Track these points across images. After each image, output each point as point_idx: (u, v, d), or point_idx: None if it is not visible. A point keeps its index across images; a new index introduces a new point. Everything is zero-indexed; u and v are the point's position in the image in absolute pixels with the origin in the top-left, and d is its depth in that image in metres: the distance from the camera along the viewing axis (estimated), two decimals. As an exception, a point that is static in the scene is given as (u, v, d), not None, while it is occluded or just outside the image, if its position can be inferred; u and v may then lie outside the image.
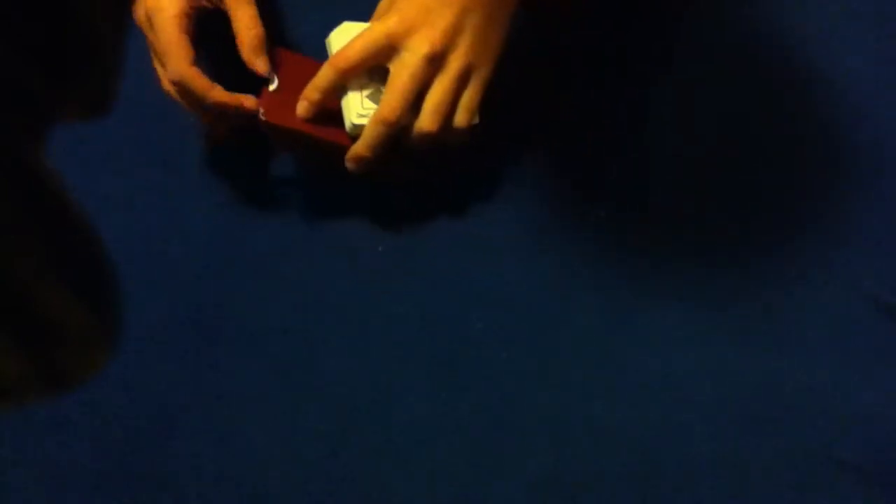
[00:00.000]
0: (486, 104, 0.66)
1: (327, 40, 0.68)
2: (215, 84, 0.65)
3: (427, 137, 0.64)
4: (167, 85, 0.67)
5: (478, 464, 0.64)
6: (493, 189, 0.71)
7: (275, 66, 0.67)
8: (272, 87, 0.66)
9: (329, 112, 0.66)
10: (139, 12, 0.66)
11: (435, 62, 0.63)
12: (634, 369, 0.65)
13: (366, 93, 0.65)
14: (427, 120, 0.64)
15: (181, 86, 0.64)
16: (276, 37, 0.70)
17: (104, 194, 0.74)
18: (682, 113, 0.72)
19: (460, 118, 0.65)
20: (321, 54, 0.67)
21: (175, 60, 0.64)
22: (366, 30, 0.64)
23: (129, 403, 0.68)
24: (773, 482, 0.61)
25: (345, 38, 0.65)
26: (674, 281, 0.67)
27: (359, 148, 0.65)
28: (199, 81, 0.64)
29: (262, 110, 0.65)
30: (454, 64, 0.63)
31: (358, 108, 0.65)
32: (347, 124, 0.65)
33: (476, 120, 0.65)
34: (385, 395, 0.66)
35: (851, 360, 0.64)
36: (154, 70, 0.67)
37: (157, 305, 0.70)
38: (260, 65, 0.66)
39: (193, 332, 0.69)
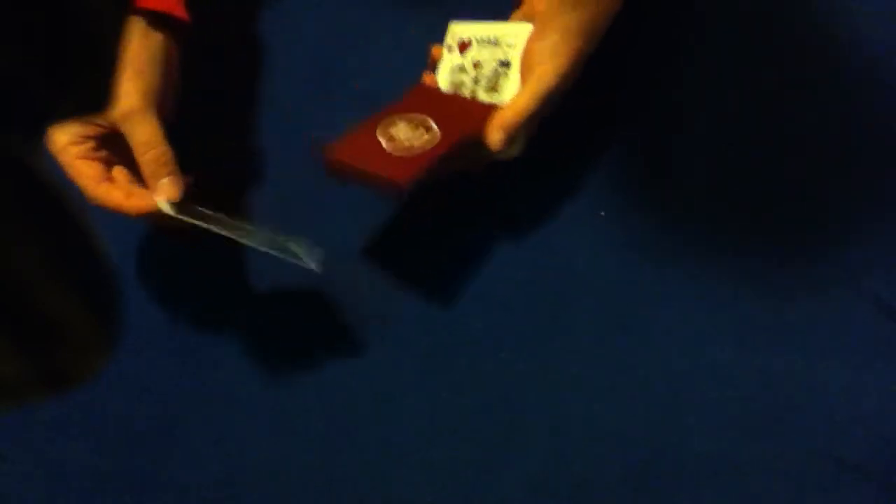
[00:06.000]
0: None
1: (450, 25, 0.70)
2: (133, 189, 0.62)
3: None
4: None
5: (478, 463, 0.64)
6: (494, 189, 0.70)
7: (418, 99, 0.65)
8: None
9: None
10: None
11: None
12: (634, 369, 0.65)
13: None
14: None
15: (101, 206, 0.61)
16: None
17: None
18: (683, 113, 0.72)
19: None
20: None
21: (82, 188, 0.61)
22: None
23: (129, 403, 0.68)
24: (773, 482, 0.61)
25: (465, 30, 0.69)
26: (674, 281, 0.67)
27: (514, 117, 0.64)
28: (115, 195, 0.61)
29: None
30: None
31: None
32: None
33: None
34: (385, 395, 0.66)
35: (852, 360, 0.64)
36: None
37: (156, 305, 0.70)
38: (165, 189, 0.61)
39: (193, 332, 0.70)
